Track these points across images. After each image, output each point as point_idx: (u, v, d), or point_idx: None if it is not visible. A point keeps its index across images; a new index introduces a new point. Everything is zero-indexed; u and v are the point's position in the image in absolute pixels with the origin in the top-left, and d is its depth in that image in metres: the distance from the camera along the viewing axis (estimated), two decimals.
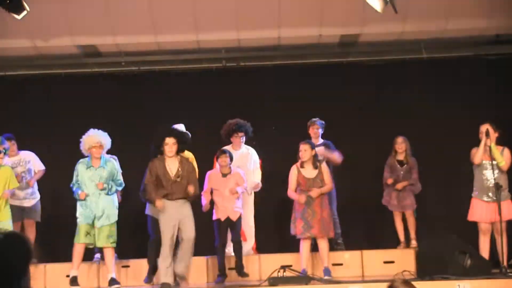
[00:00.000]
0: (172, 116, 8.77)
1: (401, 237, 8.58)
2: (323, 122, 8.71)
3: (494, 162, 7.62)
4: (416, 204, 8.50)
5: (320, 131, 8.68)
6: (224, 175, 7.97)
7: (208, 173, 8.07)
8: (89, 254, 8.26)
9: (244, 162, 8.43)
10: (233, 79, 9.83)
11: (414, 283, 6.60)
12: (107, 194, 7.66)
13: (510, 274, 7.24)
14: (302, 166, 7.78)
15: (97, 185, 7.58)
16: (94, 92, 9.75)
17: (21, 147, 8.67)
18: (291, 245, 8.00)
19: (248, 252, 8.39)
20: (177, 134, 7.54)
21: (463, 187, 8.12)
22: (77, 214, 7.63)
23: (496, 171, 7.60)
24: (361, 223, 9.15)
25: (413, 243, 8.44)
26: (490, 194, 7.64)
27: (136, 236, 8.54)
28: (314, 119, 8.68)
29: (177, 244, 7.41)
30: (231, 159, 8.00)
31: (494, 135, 7.72)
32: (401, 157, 8.60)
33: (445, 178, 9.18)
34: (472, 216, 7.76)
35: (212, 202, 8.00)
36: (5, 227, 7.41)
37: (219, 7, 8.93)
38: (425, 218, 8.61)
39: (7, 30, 8.77)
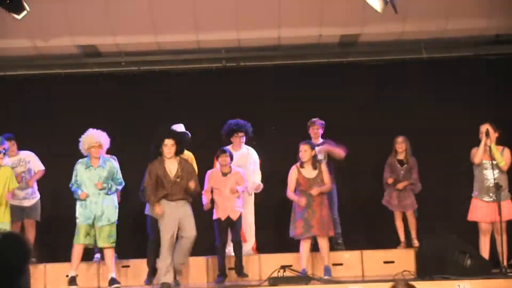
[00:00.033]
0: (172, 116, 8.78)
1: (401, 237, 8.58)
2: (323, 122, 8.71)
3: (494, 162, 7.63)
4: (417, 204, 8.51)
5: (320, 131, 8.68)
6: (225, 174, 7.97)
7: (208, 172, 8.07)
8: (89, 254, 8.27)
9: (244, 162, 8.43)
10: (233, 79, 9.83)
11: (414, 283, 6.62)
12: (107, 194, 7.66)
13: (510, 274, 7.24)
14: (302, 166, 7.78)
15: (96, 185, 7.58)
16: (94, 92, 9.75)
17: (21, 147, 8.67)
18: (291, 245, 8.00)
19: (248, 252, 8.39)
20: (176, 136, 7.54)
21: (463, 187, 8.12)
22: (77, 214, 7.63)
23: (496, 171, 7.60)
24: (361, 223, 9.14)
25: (415, 242, 8.44)
26: (490, 194, 7.64)
27: (136, 236, 8.54)
28: (314, 119, 8.69)
29: (176, 240, 7.41)
30: (231, 158, 8.00)
31: (494, 135, 7.72)
32: (401, 156, 8.60)
33: (445, 178, 9.18)
34: (472, 216, 7.77)
35: (212, 202, 8.00)
36: (4, 228, 7.42)
37: (219, 7, 8.92)
38: (425, 218, 8.61)
39: (7, 30, 8.77)
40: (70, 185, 7.69)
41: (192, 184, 7.35)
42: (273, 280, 7.22)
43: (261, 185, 8.47)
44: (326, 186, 7.76)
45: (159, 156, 7.44)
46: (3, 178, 7.77)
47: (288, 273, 7.36)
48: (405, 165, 8.57)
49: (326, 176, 7.81)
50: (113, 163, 7.85)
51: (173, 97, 9.70)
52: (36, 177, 8.63)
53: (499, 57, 9.68)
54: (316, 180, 7.72)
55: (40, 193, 8.67)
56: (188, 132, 8.46)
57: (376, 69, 9.73)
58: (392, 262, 8.21)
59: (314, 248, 7.94)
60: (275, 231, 8.76)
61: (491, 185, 7.62)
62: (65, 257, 7.76)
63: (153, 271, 7.77)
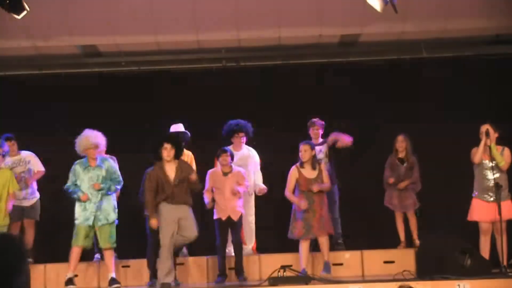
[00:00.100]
0: (172, 116, 8.79)
1: (402, 237, 8.58)
2: (323, 122, 8.71)
3: (494, 162, 7.63)
4: (418, 203, 8.52)
5: (320, 131, 8.69)
6: (225, 174, 7.96)
7: (209, 171, 8.06)
8: (89, 254, 8.28)
9: (245, 163, 8.42)
10: (233, 79, 9.82)
11: (414, 283, 6.64)
12: (106, 193, 7.66)
13: (510, 274, 7.24)
14: (302, 167, 7.79)
15: (94, 187, 7.57)
16: (94, 92, 9.75)
17: (21, 147, 8.68)
18: (291, 245, 7.99)
19: (248, 252, 8.39)
20: (174, 139, 7.56)
21: (463, 187, 8.11)
22: (76, 215, 7.62)
23: (496, 171, 7.61)
24: (361, 223, 9.14)
25: (417, 243, 8.44)
26: (490, 194, 7.65)
27: (136, 236, 8.54)
28: (314, 119, 8.69)
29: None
30: (232, 157, 8.00)
31: (494, 135, 7.73)
32: (401, 155, 8.61)
33: (445, 178, 9.17)
34: (472, 216, 7.77)
35: (213, 201, 8.00)
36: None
37: (219, 7, 8.92)
38: (425, 218, 8.61)
39: (7, 30, 8.76)
40: (66, 187, 7.67)
41: (193, 176, 7.36)
42: (273, 280, 7.21)
43: (266, 189, 8.47)
44: (326, 185, 7.78)
45: (158, 161, 7.45)
46: (2, 180, 7.78)
47: (288, 273, 7.36)
48: (406, 163, 8.57)
49: (326, 176, 7.83)
50: (111, 163, 7.85)
51: (173, 97, 9.69)
52: (36, 178, 8.63)
53: (499, 57, 9.68)
54: (316, 180, 7.73)
55: (40, 193, 8.68)
56: (188, 132, 8.47)
57: (376, 69, 9.73)
58: (392, 262, 8.21)
59: (314, 248, 7.95)
60: (275, 231, 8.76)
61: (491, 185, 7.63)
62: (65, 257, 7.76)
63: (154, 273, 7.76)
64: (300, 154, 7.81)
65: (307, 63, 9.83)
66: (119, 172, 7.88)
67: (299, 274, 7.44)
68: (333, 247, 8.34)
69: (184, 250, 8.45)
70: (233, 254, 8.09)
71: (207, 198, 7.96)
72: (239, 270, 7.92)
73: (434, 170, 8.96)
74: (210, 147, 8.45)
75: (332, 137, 8.46)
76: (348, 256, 8.33)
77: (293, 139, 8.19)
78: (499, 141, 7.78)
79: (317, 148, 8.38)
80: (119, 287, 7.60)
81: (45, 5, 8.63)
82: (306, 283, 7.19)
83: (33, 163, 8.63)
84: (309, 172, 7.76)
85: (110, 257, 7.66)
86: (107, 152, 8.73)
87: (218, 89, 9.75)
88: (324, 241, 7.74)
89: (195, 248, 8.43)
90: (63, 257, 7.85)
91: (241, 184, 7.93)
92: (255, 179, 8.53)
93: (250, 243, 8.50)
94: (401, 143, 8.59)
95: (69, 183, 7.67)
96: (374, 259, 8.33)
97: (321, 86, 9.67)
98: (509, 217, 7.68)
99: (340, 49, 9.81)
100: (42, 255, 8.53)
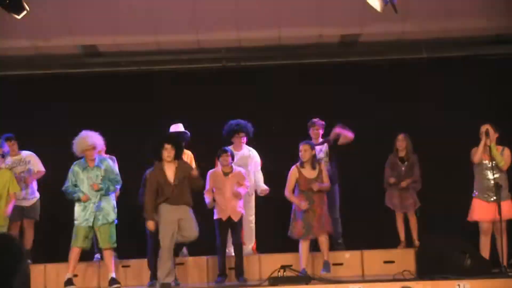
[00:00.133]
0: (172, 115, 8.79)
1: (402, 236, 8.58)
2: (323, 122, 8.71)
3: (494, 162, 7.64)
4: (419, 203, 8.53)
5: (321, 131, 8.68)
6: (226, 174, 7.96)
7: (210, 172, 8.05)
8: (89, 254, 8.28)
9: (245, 163, 8.42)
10: (233, 79, 9.83)
11: (414, 282, 6.65)
12: (106, 194, 7.66)
13: (510, 274, 7.24)
14: (302, 166, 7.79)
15: (92, 187, 7.57)
16: (94, 92, 9.75)
17: (21, 147, 8.68)
18: (291, 245, 7.99)
19: (248, 252, 8.39)
20: (175, 140, 7.56)
21: (463, 187, 8.12)
22: (75, 216, 7.63)
23: (496, 171, 7.61)
24: (361, 223, 9.14)
25: (416, 243, 8.44)
26: (490, 193, 7.65)
27: (136, 236, 8.54)
28: (314, 119, 8.68)
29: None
30: (233, 158, 8.00)
31: (494, 135, 7.74)
32: (402, 154, 8.62)
33: (445, 178, 9.17)
34: (473, 216, 7.78)
35: (213, 201, 8.00)
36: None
37: (219, 7, 8.92)
38: (425, 218, 8.61)
39: (7, 30, 8.76)
40: (64, 188, 7.67)
41: (193, 172, 7.37)
42: (273, 280, 7.21)
43: (268, 189, 8.47)
44: (325, 185, 7.78)
45: (158, 162, 7.44)
46: (2, 180, 7.78)
47: (288, 273, 7.36)
48: (406, 163, 8.58)
49: (326, 176, 7.83)
50: (110, 162, 7.85)
51: (173, 97, 9.69)
52: (36, 177, 8.63)
53: (499, 57, 9.68)
54: (316, 180, 7.73)
55: (40, 193, 8.68)
56: (187, 132, 8.46)
57: (376, 69, 9.73)
58: (392, 262, 8.21)
59: (314, 248, 7.95)
60: (275, 231, 8.76)
61: (491, 185, 7.63)
62: (65, 257, 7.76)
63: (154, 273, 7.76)
64: (300, 154, 7.81)
65: (307, 63, 9.83)
66: (118, 172, 7.88)
67: (299, 274, 7.44)
68: (333, 247, 8.35)
69: (184, 250, 8.45)
70: (233, 254, 8.08)
71: (208, 198, 7.95)
72: (239, 271, 7.91)
73: (434, 170, 8.96)
74: (210, 147, 8.44)
75: (336, 131, 8.44)
76: (348, 256, 8.34)
77: (293, 139, 8.19)
78: (499, 141, 7.78)
79: (317, 147, 8.38)
80: (119, 287, 7.60)
81: (45, 5, 8.63)
82: (306, 283, 7.19)
83: (33, 163, 8.64)
84: (309, 172, 7.77)
85: (110, 257, 7.66)
86: (106, 152, 8.74)
87: (218, 89, 9.75)
88: (323, 240, 7.74)
89: (195, 248, 8.42)
90: (63, 257, 7.85)
91: (241, 185, 7.93)
92: (256, 180, 8.53)
93: (250, 243, 8.50)
94: (402, 142, 8.60)
95: (67, 184, 7.66)
96: (374, 259, 8.34)
97: (321, 86, 9.66)
98: (509, 217, 7.68)
99: (340, 49, 9.81)
100: (42, 255, 8.53)
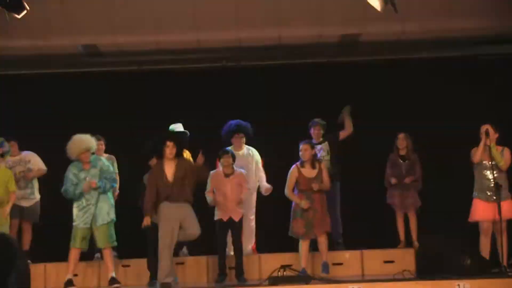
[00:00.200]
0: (172, 115, 8.78)
1: (402, 236, 8.59)
2: (325, 122, 8.72)
3: (494, 162, 7.64)
4: (420, 202, 8.53)
5: (321, 131, 8.68)
6: (227, 176, 7.96)
7: (211, 173, 8.05)
8: (89, 253, 8.28)
9: (246, 163, 8.43)
10: (233, 79, 9.83)
11: (414, 282, 6.65)
12: (103, 192, 7.66)
13: (510, 273, 7.24)
14: (302, 166, 7.80)
15: (91, 184, 7.57)
16: (94, 92, 9.75)
17: (21, 148, 8.68)
18: (291, 245, 8.00)
19: (248, 252, 8.39)
20: (177, 138, 7.57)
21: (463, 187, 8.12)
22: (74, 217, 7.63)
23: (496, 171, 7.62)
24: (361, 223, 9.13)
25: (416, 244, 8.44)
26: (490, 193, 7.65)
27: (136, 236, 8.54)
28: (316, 119, 8.69)
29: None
30: (234, 159, 8.00)
31: (494, 135, 7.75)
32: (403, 153, 8.63)
33: (445, 178, 9.18)
34: (473, 216, 7.78)
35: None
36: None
37: (219, 7, 8.92)
38: (425, 217, 8.61)
39: (7, 30, 8.75)
40: (64, 189, 7.66)
41: (199, 160, 7.37)
42: (273, 280, 7.21)
43: (271, 188, 8.46)
44: (326, 185, 7.79)
45: (158, 159, 7.44)
46: (1, 179, 7.78)
47: (288, 273, 7.36)
48: (407, 161, 8.59)
49: (326, 175, 7.84)
50: (104, 161, 7.86)
51: (173, 97, 9.70)
52: (36, 174, 8.59)
53: (499, 57, 9.68)
54: (316, 180, 7.74)
55: (40, 193, 8.66)
56: (187, 131, 8.46)
57: (376, 69, 9.73)
58: (392, 261, 8.22)
59: (314, 248, 7.95)
60: (275, 230, 8.76)
61: (491, 185, 7.64)
62: (66, 257, 7.77)
63: (154, 273, 7.76)
64: (300, 153, 7.82)
65: (307, 63, 9.83)
66: (112, 170, 7.89)
67: (299, 274, 7.44)
68: (333, 246, 8.36)
69: (184, 250, 8.45)
70: (232, 253, 8.09)
71: (209, 198, 7.95)
72: (239, 271, 7.91)
73: (434, 170, 8.97)
74: (210, 147, 8.43)
75: (344, 116, 8.47)
76: (348, 256, 8.34)
77: (293, 138, 8.20)
78: (499, 141, 7.78)
79: (318, 147, 8.39)
80: (119, 287, 7.60)
81: (45, 5, 8.62)
82: (306, 283, 7.19)
83: (34, 162, 8.62)
84: (309, 172, 7.78)
85: (109, 256, 7.67)
86: (106, 151, 8.74)
87: (218, 89, 9.75)
88: (323, 241, 7.75)
89: (195, 248, 8.43)
90: (63, 257, 7.85)
91: (242, 186, 7.93)
92: (259, 179, 8.52)
93: (250, 243, 8.50)
94: (402, 141, 8.61)
95: (68, 184, 7.64)
96: (374, 259, 8.34)
97: (321, 86, 9.66)
98: (509, 216, 7.69)
99: (340, 49, 9.81)
100: (42, 255, 8.52)
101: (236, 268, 7.95)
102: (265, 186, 8.48)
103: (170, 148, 7.39)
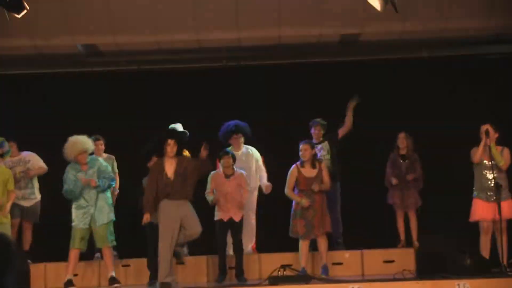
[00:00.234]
0: (172, 115, 8.76)
1: (402, 235, 8.59)
2: (325, 122, 8.71)
3: (494, 162, 7.64)
4: (421, 202, 8.54)
5: (322, 131, 8.68)
6: (227, 177, 7.96)
7: (211, 173, 8.05)
8: (89, 253, 8.28)
9: (246, 163, 8.42)
10: (233, 79, 9.83)
11: (414, 282, 6.64)
12: (102, 191, 7.66)
13: (510, 273, 7.23)
14: (302, 166, 7.80)
15: (90, 183, 7.56)
16: (95, 91, 9.75)
17: (21, 148, 8.67)
18: (291, 245, 8.00)
19: (248, 252, 8.38)
20: (178, 136, 7.57)
21: (463, 187, 8.13)
22: (73, 217, 7.63)
23: (496, 171, 7.62)
24: (361, 223, 9.13)
25: (416, 244, 8.44)
26: (490, 193, 7.65)
27: (136, 236, 8.54)
28: (316, 119, 8.68)
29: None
30: (234, 160, 8.00)
31: (494, 135, 7.75)
32: (403, 152, 8.63)
33: (445, 178, 9.18)
34: (473, 216, 7.79)
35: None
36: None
37: (220, 6, 8.93)
38: (425, 217, 8.61)
39: (7, 29, 8.76)
40: (65, 190, 7.65)
41: (203, 152, 7.36)
42: (273, 279, 7.21)
43: (271, 185, 8.46)
44: (326, 185, 7.78)
45: (161, 156, 7.44)
46: (2, 177, 7.77)
47: (288, 273, 7.36)
48: (407, 160, 8.59)
49: (326, 175, 7.83)
50: (101, 161, 7.85)
51: (173, 97, 9.70)
52: (37, 172, 8.57)
53: (499, 57, 9.68)
54: (317, 180, 7.74)
55: (41, 193, 8.65)
56: (186, 132, 8.45)
57: (376, 69, 9.73)
58: (392, 261, 8.22)
59: (315, 248, 7.95)
60: (275, 230, 8.76)
61: (491, 184, 7.64)
62: (65, 257, 7.76)
63: (154, 272, 7.76)
64: (300, 153, 7.82)
65: (307, 63, 9.83)
66: (110, 169, 7.89)
67: (299, 274, 7.44)
68: (333, 246, 8.36)
69: (185, 249, 8.44)
70: (231, 252, 8.09)
71: (210, 197, 7.94)
72: (239, 271, 7.91)
73: (434, 170, 8.97)
74: (210, 147, 8.42)
75: (350, 109, 8.54)
76: (348, 256, 8.34)
77: (293, 138, 8.19)
78: (499, 141, 7.79)
79: (318, 146, 8.39)
80: (119, 287, 7.60)
81: (45, 4, 8.63)
82: (306, 283, 7.19)
83: (33, 162, 8.61)
84: (309, 172, 7.77)
85: (109, 256, 7.67)
86: (106, 151, 8.74)
87: (219, 89, 9.75)
88: (322, 242, 7.74)
89: (195, 248, 8.42)
90: (63, 257, 7.85)
91: (243, 187, 7.93)
92: (260, 177, 8.51)
93: (250, 242, 8.50)
94: (403, 140, 8.62)
95: (69, 184, 7.64)
96: (374, 259, 8.34)
97: (321, 86, 9.66)
98: (509, 216, 7.69)
99: (340, 48, 9.81)
100: (42, 255, 8.52)
101: (236, 268, 7.95)
102: (265, 184, 8.47)
103: (171, 146, 7.39)
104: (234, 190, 7.90)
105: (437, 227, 8.40)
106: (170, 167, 7.40)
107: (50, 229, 8.87)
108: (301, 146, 7.84)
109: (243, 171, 8.08)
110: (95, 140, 8.54)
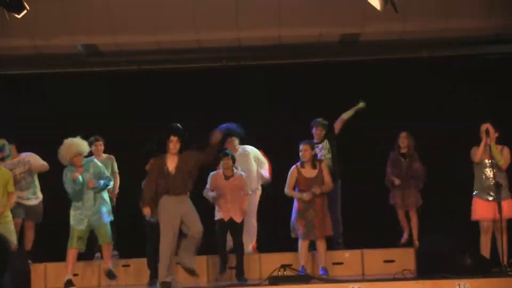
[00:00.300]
0: (172, 115, 8.76)
1: (406, 229, 8.56)
2: (327, 122, 8.71)
3: (494, 161, 7.65)
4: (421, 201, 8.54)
5: (323, 131, 8.68)
6: (227, 178, 7.96)
7: (212, 173, 8.05)
8: (89, 253, 8.28)
9: (245, 163, 8.42)
10: (233, 79, 9.83)
11: (414, 282, 6.65)
12: (100, 191, 7.66)
13: (510, 273, 7.23)
14: (302, 166, 7.80)
15: (88, 184, 7.56)
16: (95, 91, 9.75)
17: (21, 148, 8.66)
18: (292, 244, 8.00)
19: (249, 252, 8.39)
20: (181, 133, 7.56)
21: (463, 186, 8.13)
22: (71, 218, 7.63)
23: (496, 170, 7.62)
24: (361, 222, 9.14)
25: (416, 243, 8.44)
26: (490, 193, 7.66)
27: (136, 236, 8.54)
28: (318, 119, 8.68)
29: (180, 235, 7.35)
30: (234, 161, 8.00)
31: (494, 134, 7.76)
32: (404, 151, 8.63)
33: (445, 177, 9.18)
34: (473, 215, 7.80)
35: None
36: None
37: (219, 6, 8.93)
38: (426, 216, 8.62)
39: (7, 29, 8.76)
40: (70, 193, 7.65)
41: (216, 137, 7.33)
42: (273, 279, 7.21)
43: (268, 177, 8.44)
44: (327, 186, 7.78)
45: (163, 153, 7.43)
46: (2, 180, 7.78)
47: (288, 272, 7.36)
48: (408, 159, 8.59)
49: (327, 175, 7.83)
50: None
51: (173, 97, 9.70)
52: (40, 168, 8.54)
53: (499, 57, 9.68)
54: (317, 180, 7.73)
55: (42, 193, 8.65)
56: (186, 132, 8.45)
57: (376, 69, 9.73)
58: (393, 261, 8.22)
59: (314, 247, 7.94)
60: (275, 230, 8.76)
61: (491, 184, 7.64)
62: (65, 257, 7.76)
63: (154, 272, 7.75)
64: (300, 153, 7.82)
65: (307, 63, 9.83)
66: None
67: (299, 273, 7.44)
68: (333, 246, 8.36)
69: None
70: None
71: (209, 194, 7.93)
72: (239, 271, 7.91)
73: (434, 169, 8.96)
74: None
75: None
76: (348, 255, 8.34)
77: (293, 138, 8.19)
78: (499, 141, 7.79)
79: (319, 146, 8.39)
80: (116, 280, 7.63)
81: (45, 4, 8.63)
82: (306, 282, 7.18)
83: (33, 161, 8.59)
84: (309, 172, 7.77)
85: (108, 251, 7.70)
86: (106, 151, 8.74)
87: (219, 89, 9.75)
88: (321, 246, 7.74)
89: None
90: (63, 257, 7.85)
91: (242, 189, 7.93)
92: (258, 168, 8.50)
93: (251, 242, 8.50)
94: (404, 140, 8.62)
95: (71, 188, 7.62)
96: (374, 258, 8.34)
97: (321, 85, 9.66)
98: (510, 216, 7.69)
99: (340, 48, 9.81)
100: (42, 255, 8.52)
101: (236, 267, 7.95)
102: (263, 174, 8.45)
103: (174, 143, 7.35)
104: (233, 191, 7.90)
105: (437, 226, 8.41)
106: (171, 163, 7.35)
107: (50, 229, 8.86)
108: (301, 147, 7.84)
109: (242, 173, 8.08)
110: (94, 141, 8.55)
